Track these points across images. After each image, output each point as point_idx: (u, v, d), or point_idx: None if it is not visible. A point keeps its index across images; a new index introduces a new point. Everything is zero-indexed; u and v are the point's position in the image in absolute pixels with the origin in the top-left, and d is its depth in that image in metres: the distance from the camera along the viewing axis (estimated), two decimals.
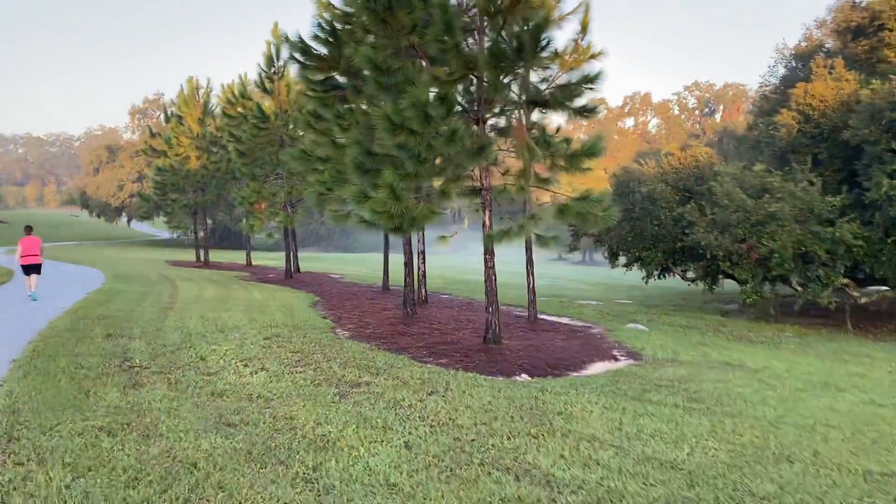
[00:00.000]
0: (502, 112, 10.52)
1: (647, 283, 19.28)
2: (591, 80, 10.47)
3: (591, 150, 10.51)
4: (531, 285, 14.73)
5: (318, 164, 14.36)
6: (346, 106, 13.40)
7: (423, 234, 17.58)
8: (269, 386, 7.40)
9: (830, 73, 16.97)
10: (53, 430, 5.42)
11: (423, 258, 17.19)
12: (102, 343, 9.38)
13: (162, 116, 35.34)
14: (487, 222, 10.49)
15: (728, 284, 24.09)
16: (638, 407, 7.13)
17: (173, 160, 30.01)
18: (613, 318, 15.97)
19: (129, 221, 79.62)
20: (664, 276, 18.66)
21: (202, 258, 32.65)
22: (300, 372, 8.20)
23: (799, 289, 15.27)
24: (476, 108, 10.11)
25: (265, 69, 22.78)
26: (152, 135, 32.84)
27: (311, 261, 40.34)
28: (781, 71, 29.60)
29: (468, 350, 10.38)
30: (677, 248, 16.45)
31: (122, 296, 15.53)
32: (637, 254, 17.45)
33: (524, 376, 9.02)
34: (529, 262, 14.68)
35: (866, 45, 19.45)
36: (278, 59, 22.98)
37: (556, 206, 10.44)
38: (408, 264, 14.43)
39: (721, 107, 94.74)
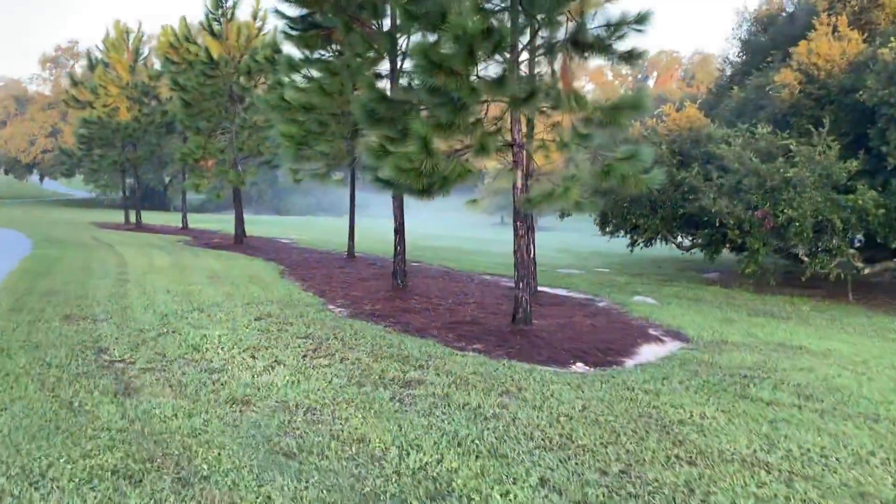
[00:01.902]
0: (544, 54, 8.97)
1: (632, 251, 18.26)
2: (640, 19, 9.03)
3: (636, 103, 9.11)
4: (532, 255, 13.36)
5: (298, 113, 12.48)
6: (334, 46, 11.59)
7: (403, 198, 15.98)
8: (298, 388, 5.81)
9: (835, 32, 16.06)
10: (46, 477, 3.73)
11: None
12: (63, 328, 7.51)
13: (85, 63, 31.98)
14: (520, 184, 9.00)
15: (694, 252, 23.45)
16: (758, 409, 5.88)
17: (101, 111, 27.14)
18: (611, 288, 14.83)
19: (41, 179, 74.32)
20: (650, 245, 17.66)
21: (133, 220, 29.95)
22: (325, 366, 6.62)
23: (805, 259, 14.43)
24: (527, 46, 8.53)
25: (212, 9, 20.39)
26: (74, 84, 29.64)
27: (248, 224, 37.80)
28: (745, 35, 28.87)
29: (500, 332, 8.95)
30: (678, 214, 15.36)
31: (62, 265, 13.38)
32: (633, 221, 16.30)
33: (580, 365, 7.68)
34: (530, 228, 13.28)
35: (855, 4, 18.66)
36: None
37: (600, 166, 9.02)
38: (399, 231, 12.81)
39: (655, 73, 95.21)
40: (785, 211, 13.10)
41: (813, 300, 14.46)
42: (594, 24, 9.06)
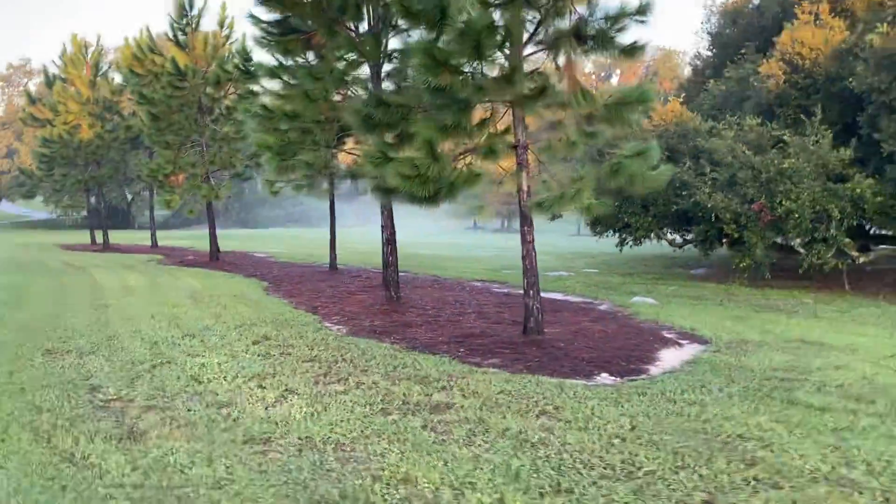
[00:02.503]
0: (549, 49, 8.53)
1: (621, 250, 17.92)
2: (641, 10, 8.65)
3: (642, 97, 8.72)
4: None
5: (279, 122, 11.87)
6: (314, 52, 11.05)
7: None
8: (319, 420, 5.29)
9: (817, 21, 15.93)
10: None
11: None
12: (47, 365, 6.88)
13: (41, 80, 30.88)
14: (525, 187, 8.56)
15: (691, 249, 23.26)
16: (814, 417, 5.49)
17: (62, 129, 26.12)
18: (608, 290, 14.46)
19: None
20: (640, 243, 17.34)
21: (101, 241, 28.89)
22: (342, 392, 6.10)
23: (801, 251, 14.22)
24: (530, 39, 8.07)
25: (176, 19, 19.65)
26: (32, 101, 28.56)
27: (219, 238, 36.86)
28: (713, 29, 28.83)
29: (512, 344, 8.49)
30: (672, 211, 15.04)
31: (32, 292, 12.62)
32: (625, 219, 15.95)
33: (606, 376, 7.24)
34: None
35: None
36: (192, 7, 19.86)
37: (608, 164, 8.61)
38: (390, 241, 12.30)
39: (618, 71, 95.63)
40: (783, 203, 12.84)
41: (811, 292, 14.25)
42: (595, 17, 8.67)
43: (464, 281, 16.46)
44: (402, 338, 8.97)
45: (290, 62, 12.75)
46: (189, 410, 5.51)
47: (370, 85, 9.85)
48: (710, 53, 28.55)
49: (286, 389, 6.17)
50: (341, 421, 5.27)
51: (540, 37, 8.07)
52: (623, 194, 13.84)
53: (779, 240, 14.33)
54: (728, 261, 19.90)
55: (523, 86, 7.39)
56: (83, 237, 33.99)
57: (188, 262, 20.85)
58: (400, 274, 18.07)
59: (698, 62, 30.09)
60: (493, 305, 12.26)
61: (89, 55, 27.20)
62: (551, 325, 9.93)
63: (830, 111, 15.01)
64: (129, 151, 27.73)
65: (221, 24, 20.41)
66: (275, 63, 14.09)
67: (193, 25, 19.87)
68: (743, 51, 20.14)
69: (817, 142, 13.32)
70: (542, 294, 13.89)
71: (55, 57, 35.07)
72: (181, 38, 19.67)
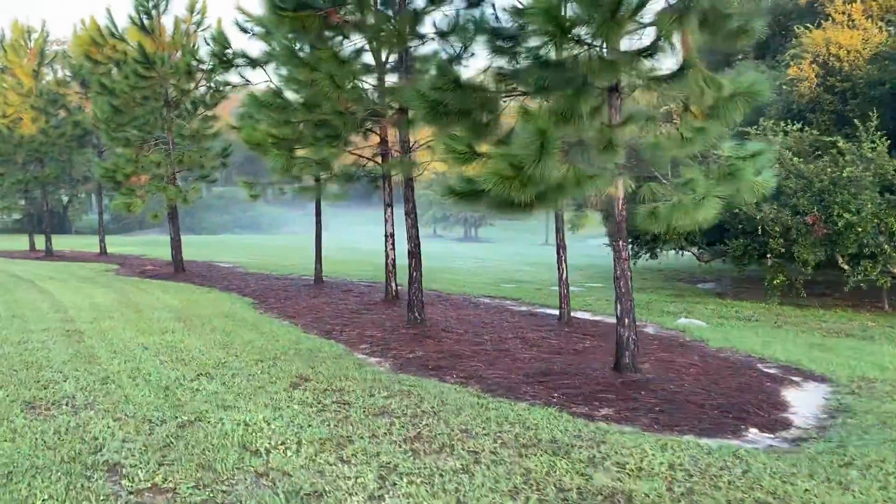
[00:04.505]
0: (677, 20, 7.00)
1: (634, 263, 16.60)
2: None
3: (754, 89, 7.30)
4: (563, 276, 11.43)
5: (292, 113, 10.01)
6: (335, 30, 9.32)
7: (393, 212, 13.74)
8: None
9: (851, 22, 14.94)
10: None
11: (394, 243, 13.39)
12: (35, 429, 4.96)
13: None
14: (621, 195, 7.03)
15: (675, 259, 22.15)
16: None
17: (0, 123, 23.50)
18: (636, 308, 13.06)
19: None
20: (655, 256, 16.07)
21: (41, 247, 26.18)
22: (461, 471, 4.44)
23: (846, 267, 13.10)
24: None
25: (142, 1, 17.48)
26: None
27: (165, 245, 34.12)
28: None
29: (609, 385, 6.93)
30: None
31: None
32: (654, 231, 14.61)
33: (755, 432, 5.77)
34: (561, 245, 11.38)
35: None
36: None
37: (720, 167, 7.17)
38: (414, 254, 10.62)
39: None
40: (842, 215, 11.65)
41: (855, 311, 13.15)
42: None
43: (471, 297, 14.87)
44: (467, 375, 7.32)
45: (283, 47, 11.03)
46: None
47: (438, 65, 8.13)
48: None
49: (382, 466, 4.47)
50: None
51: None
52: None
53: (829, 254, 13.18)
54: (729, 274, 18.88)
55: (666, 61, 5.86)
56: (18, 243, 30.98)
57: (149, 274, 18.66)
58: (374, 285, 16.41)
59: None
60: (530, 329, 10.73)
61: (32, 42, 24.62)
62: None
63: (868, 116, 14.00)
64: (77, 149, 25.17)
65: (192, 9, 18.33)
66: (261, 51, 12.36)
67: (161, 9, 17.75)
68: (741, 56, 19.19)
69: (873, 149, 12.21)
70: (582, 314, 12.53)
71: None
72: (146, 22, 17.53)
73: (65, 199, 48.72)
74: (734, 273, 17.00)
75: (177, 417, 5.31)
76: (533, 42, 5.58)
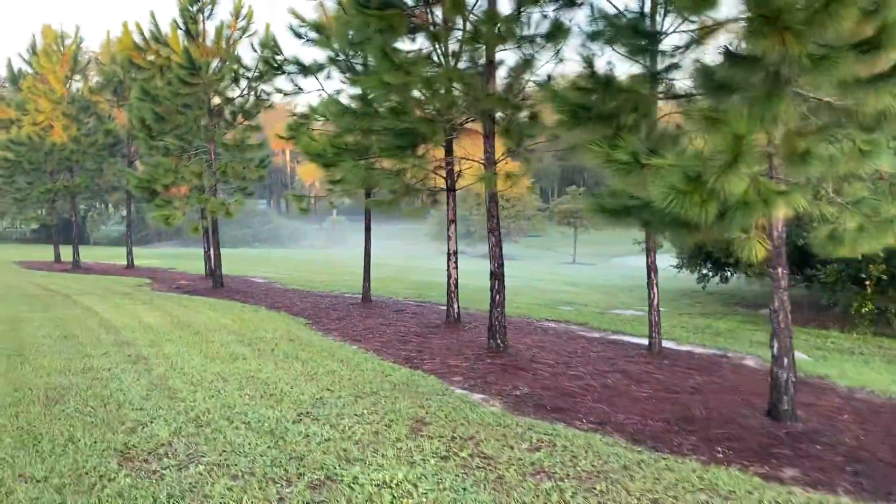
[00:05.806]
0: None
1: (703, 287, 15.69)
2: None
3: None
4: (654, 301, 10.48)
5: (375, 120, 9.12)
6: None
7: (456, 230, 12.86)
8: None
9: None
10: None
11: (457, 261, 12.53)
12: (138, 489, 4.07)
13: (3, 75, 27.44)
14: (782, 215, 6.11)
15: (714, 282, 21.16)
16: None
17: (31, 130, 22.82)
18: (714, 336, 12.15)
19: None
20: (726, 281, 15.12)
21: (66, 258, 25.44)
22: None
23: None
24: None
25: (188, 4, 16.77)
26: None
27: (193, 259, 33.40)
28: None
29: (769, 435, 5.98)
30: (796, 247, 12.79)
31: (28, 332, 9.61)
32: (736, 255, 13.69)
33: None
34: (652, 267, 10.44)
35: None
36: None
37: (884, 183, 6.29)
38: (497, 275, 9.70)
39: None
40: None
41: None
42: None
43: (533, 320, 13.92)
44: (597, 420, 6.39)
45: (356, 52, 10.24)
46: None
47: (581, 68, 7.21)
48: None
49: None
50: None
51: None
52: None
53: None
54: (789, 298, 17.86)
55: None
56: (40, 253, 30.36)
57: (185, 289, 17.83)
58: (424, 305, 15.52)
59: None
60: (622, 360, 9.77)
61: (65, 47, 23.98)
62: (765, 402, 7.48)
63: None
64: (108, 159, 24.46)
65: (237, 14, 17.60)
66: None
67: (206, 13, 17.03)
68: None
69: None
70: (674, 345, 11.56)
71: (21, 50, 31.42)
72: (192, 27, 16.80)
73: (84, 209, 48.19)
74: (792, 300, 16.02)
75: (301, 475, 4.41)
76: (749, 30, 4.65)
